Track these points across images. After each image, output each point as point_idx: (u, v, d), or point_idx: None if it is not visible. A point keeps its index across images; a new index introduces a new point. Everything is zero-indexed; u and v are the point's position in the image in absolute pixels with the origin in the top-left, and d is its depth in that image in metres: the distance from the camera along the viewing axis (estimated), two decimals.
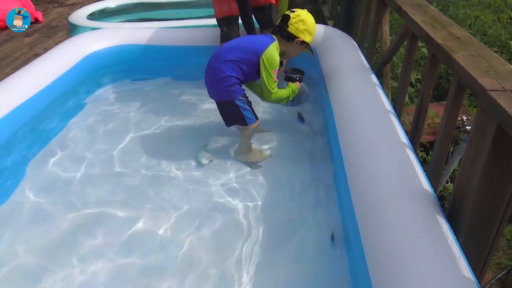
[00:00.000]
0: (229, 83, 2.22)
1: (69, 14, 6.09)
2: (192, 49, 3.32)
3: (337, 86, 2.39)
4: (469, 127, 2.73)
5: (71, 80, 3.02)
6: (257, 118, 2.35)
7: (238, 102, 2.25)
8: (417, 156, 1.78)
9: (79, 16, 4.19)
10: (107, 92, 3.26)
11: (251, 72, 2.25)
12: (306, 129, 2.71)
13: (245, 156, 2.41)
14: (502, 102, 1.24)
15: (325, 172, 2.27)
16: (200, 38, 3.28)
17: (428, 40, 1.84)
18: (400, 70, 3.40)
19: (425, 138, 2.77)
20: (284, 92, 2.33)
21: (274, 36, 2.28)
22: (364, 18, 3.26)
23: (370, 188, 1.58)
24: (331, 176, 2.21)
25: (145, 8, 4.96)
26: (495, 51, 3.72)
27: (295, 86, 2.40)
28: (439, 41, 1.74)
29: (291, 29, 2.24)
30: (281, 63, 2.41)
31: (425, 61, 3.60)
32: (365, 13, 3.23)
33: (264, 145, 2.55)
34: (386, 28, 2.79)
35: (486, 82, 1.36)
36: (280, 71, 2.47)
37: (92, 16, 4.42)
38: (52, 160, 2.46)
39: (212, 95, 2.33)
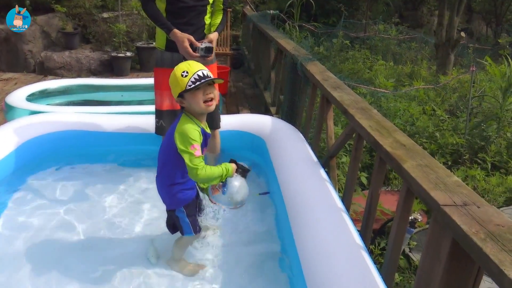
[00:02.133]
0: (172, 192, 2.15)
1: (3, 90, 5.89)
2: (134, 136, 3.28)
3: (288, 181, 2.45)
4: (411, 217, 2.92)
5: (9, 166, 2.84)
6: (198, 231, 2.25)
7: (177, 213, 2.19)
8: (368, 252, 1.86)
9: (17, 97, 4.01)
10: (46, 180, 3.07)
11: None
12: (257, 230, 2.63)
13: (176, 266, 2.29)
14: (456, 218, 1.33)
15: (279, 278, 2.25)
16: (144, 125, 3.25)
17: (377, 146, 1.97)
18: (342, 159, 3.61)
19: None
20: (215, 170, 2.05)
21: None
22: (308, 110, 3.44)
23: None
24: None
25: (88, 89, 4.88)
26: (424, 142, 4.07)
27: (230, 166, 2.14)
28: (388, 148, 1.87)
29: (173, 92, 2.06)
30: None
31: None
32: (309, 106, 3.42)
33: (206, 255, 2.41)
34: (330, 124, 2.95)
35: (438, 196, 1.46)
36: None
37: (32, 97, 4.26)
38: None
39: (162, 199, 2.26)
